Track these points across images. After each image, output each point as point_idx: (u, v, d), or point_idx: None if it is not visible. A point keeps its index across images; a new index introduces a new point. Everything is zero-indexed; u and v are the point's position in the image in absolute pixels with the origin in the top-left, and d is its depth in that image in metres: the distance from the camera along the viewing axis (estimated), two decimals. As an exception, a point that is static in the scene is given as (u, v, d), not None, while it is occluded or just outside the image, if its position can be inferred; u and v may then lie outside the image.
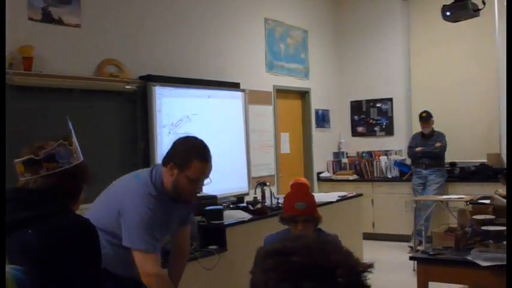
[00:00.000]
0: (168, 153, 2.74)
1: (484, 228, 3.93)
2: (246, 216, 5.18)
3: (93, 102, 5.17)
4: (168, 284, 2.71)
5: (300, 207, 3.19)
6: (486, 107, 8.54)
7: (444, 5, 6.16)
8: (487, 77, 8.50)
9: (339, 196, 6.57)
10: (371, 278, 1.12)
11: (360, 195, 6.99)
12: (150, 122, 5.64)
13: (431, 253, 3.91)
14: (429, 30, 8.89)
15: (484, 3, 6.02)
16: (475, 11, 5.96)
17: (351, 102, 9.61)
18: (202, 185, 2.79)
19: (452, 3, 6.07)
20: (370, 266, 1.16)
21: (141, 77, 5.68)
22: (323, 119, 9.20)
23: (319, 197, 6.20)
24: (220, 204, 5.11)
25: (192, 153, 2.70)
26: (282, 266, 1.09)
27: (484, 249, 3.75)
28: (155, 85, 5.68)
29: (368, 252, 7.02)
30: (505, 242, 3.75)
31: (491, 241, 3.81)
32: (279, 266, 1.10)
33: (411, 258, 4.14)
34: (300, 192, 3.33)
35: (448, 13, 6.11)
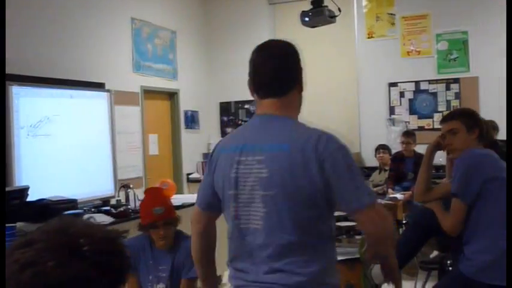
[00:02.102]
0: (279, 68, 2.08)
1: (337, 224, 4.12)
2: (107, 219, 5.05)
3: None
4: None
5: (159, 212, 3.19)
6: (347, 108, 8.96)
7: (303, 11, 6.40)
8: (347, 79, 8.93)
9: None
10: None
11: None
12: (7, 124, 5.38)
13: (289, 250, 4.04)
14: (294, 35, 9.02)
15: (339, 10, 6.33)
16: (331, 17, 6.25)
17: (220, 103, 9.71)
18: None
19: (310, 9, 6.31)
20: (122, 232, 1.22)
21: (-5, 76, 5.39)
22: (192, 120, 9.22)
23: (186, 198, 6.20)
24: (81, 208, 4.95)
25: None
26: (25, 255, 1.12)
27: (337, 244, 3.94)
28: (12, 84, 5.41)
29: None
30: (357, 237, 3.97)
31: (344, 236, 4.01)
32: (22, 256, 1.12)
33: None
34: (156, 197, 3.34)
35: (306, 19, 6.35)
